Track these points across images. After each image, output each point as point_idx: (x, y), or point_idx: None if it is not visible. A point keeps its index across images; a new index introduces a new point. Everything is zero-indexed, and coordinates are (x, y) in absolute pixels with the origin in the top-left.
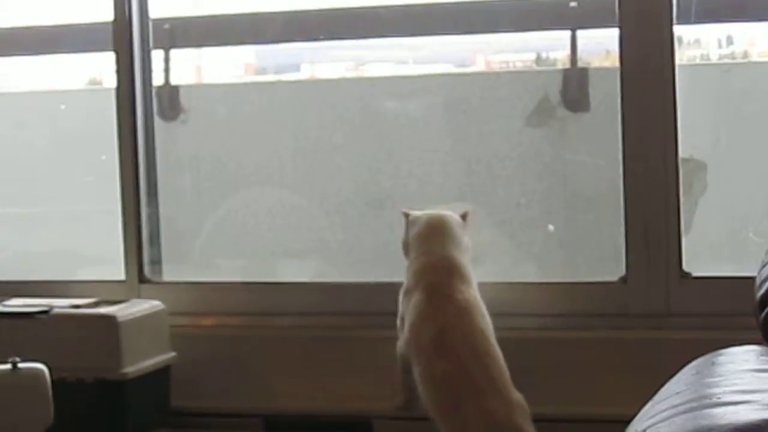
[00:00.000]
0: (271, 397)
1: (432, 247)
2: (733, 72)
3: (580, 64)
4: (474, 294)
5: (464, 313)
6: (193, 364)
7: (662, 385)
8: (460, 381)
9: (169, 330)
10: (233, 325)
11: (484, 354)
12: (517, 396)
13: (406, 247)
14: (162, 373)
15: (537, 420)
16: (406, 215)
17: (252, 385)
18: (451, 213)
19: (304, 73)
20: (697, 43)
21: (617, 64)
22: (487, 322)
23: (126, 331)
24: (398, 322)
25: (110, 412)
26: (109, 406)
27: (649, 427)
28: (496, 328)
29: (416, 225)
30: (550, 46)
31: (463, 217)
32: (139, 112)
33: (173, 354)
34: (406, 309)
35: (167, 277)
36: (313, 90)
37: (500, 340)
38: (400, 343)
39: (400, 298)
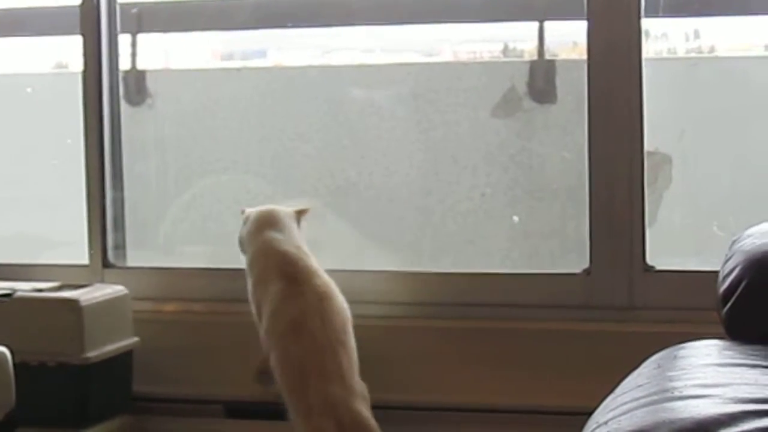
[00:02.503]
0: (232, 383)
1: (273, 239)
2: (700, 66)
3: (547, 56)
4: (329, 280)
5: (324, 297)
6: (156, 350)
7: (624, 378)
8: (311, 365)
9: (132, 315)
10: (196, 311)
11: (336, 340)
12: (360, 386)
13: (242, 244)
14: (124, 358)
15: (495, 411)
16: (243, 212)
17: (214, 372)
18: (280, 207)
19: (271, 60)
20: (664, 36)
21: (584, 56)
22: (344, 308)
23: (89, 315)
24: (254, 316)
25: (72, 396)
26: (71, 390)
27: (610, 419)
28: (463, 318)
29: (250, 220)
30: (518, 37)
31: (300, 212)
32: (106, 97)
33: (136, 339)
34: (263, 300)
35: (131, 262)
36: (279, 77)
37: (463, 331)
38: (261, 335)
39: (250, 293)
